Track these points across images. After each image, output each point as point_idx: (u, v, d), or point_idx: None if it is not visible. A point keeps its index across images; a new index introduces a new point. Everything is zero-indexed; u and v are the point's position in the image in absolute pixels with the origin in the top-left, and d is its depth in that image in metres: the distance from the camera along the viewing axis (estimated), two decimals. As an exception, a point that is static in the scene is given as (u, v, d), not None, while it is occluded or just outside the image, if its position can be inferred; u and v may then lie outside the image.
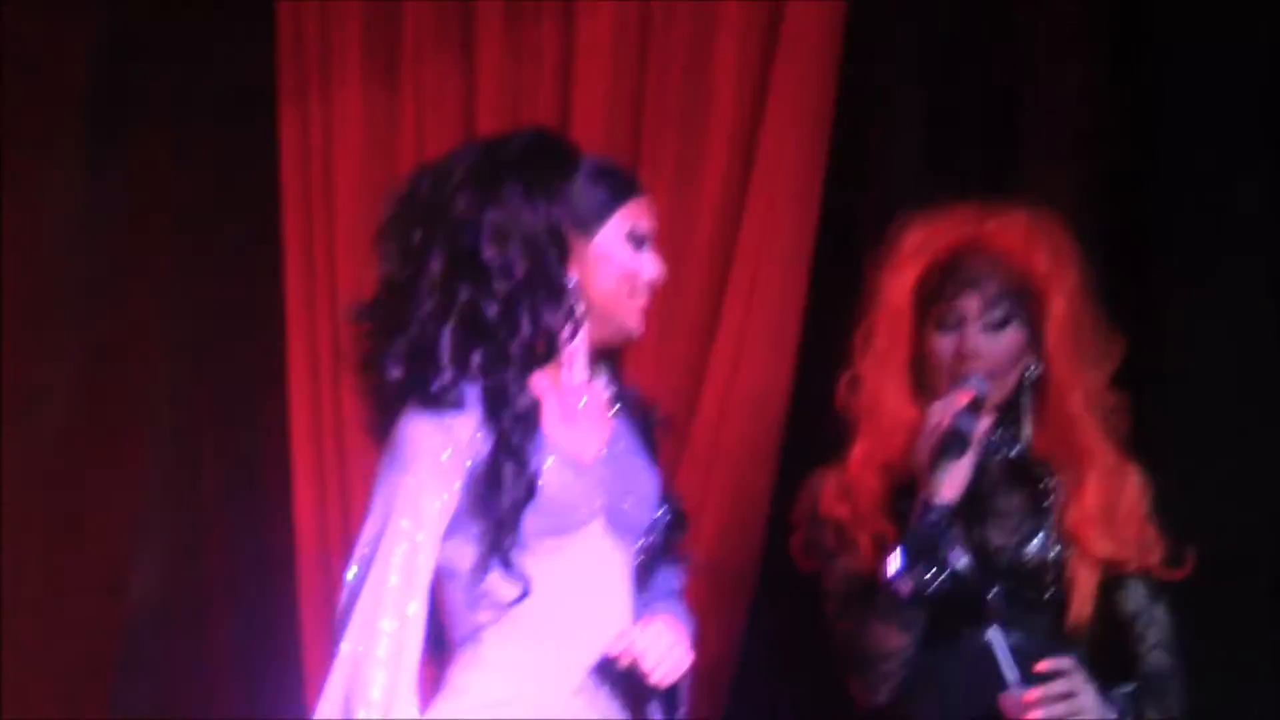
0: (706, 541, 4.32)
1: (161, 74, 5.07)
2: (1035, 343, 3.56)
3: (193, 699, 5.01)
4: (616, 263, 3.32)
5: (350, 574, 3.18)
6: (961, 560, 3.45)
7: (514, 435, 3.19)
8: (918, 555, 3.45)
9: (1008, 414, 3.60)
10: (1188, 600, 3.59)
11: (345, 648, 3.13)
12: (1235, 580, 3.91)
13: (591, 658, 3.25)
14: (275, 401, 4.92)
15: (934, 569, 3.43)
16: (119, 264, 5.08)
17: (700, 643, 3.40)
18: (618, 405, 3.42)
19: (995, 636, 3.44)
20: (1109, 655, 3.56)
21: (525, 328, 3.22)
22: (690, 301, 4.42)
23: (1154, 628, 3.50)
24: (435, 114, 4.75)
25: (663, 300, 4.22)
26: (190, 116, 5.07)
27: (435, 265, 3.22)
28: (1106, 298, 3.63)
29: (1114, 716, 3.41)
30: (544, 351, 3.26)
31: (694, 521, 4.24)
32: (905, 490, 3.56)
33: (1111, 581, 3.51)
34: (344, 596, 3.17)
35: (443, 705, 3.26)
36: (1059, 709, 3.38)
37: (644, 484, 3.38)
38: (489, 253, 3.20)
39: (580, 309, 3.28)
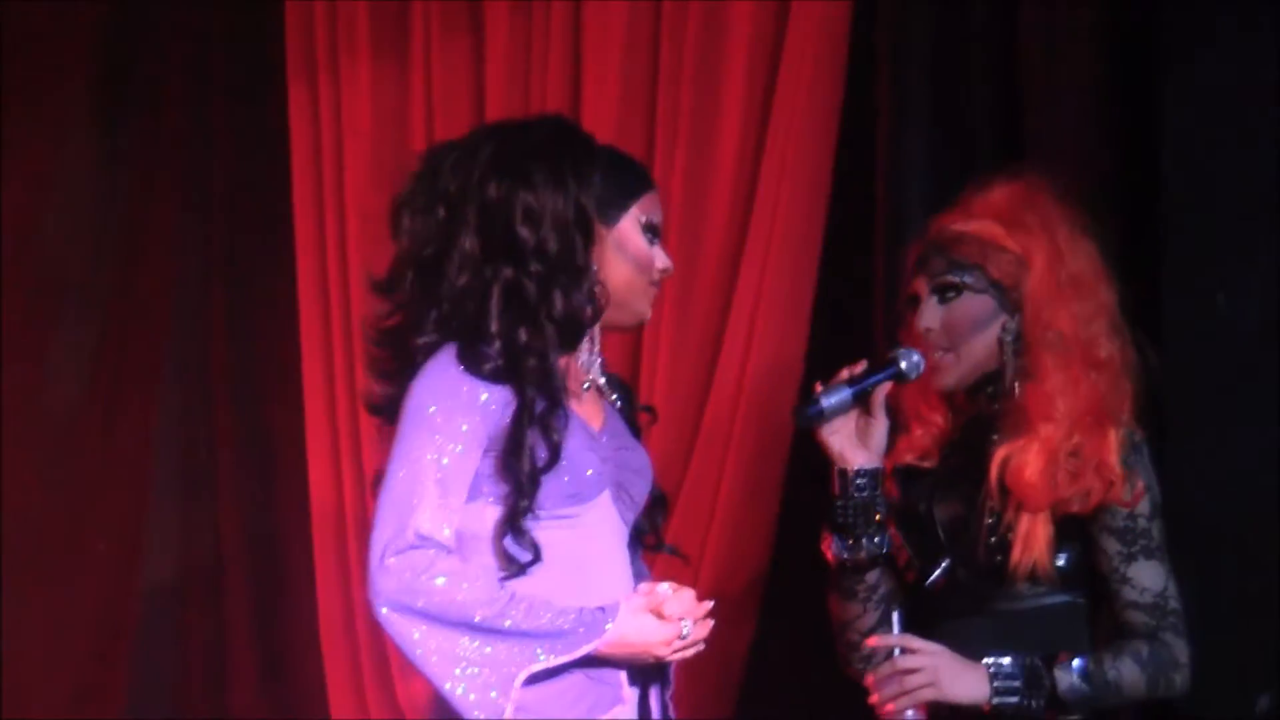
0: (721, 519, 4.39)
1: (171, 52, 5.08)
2: (1010, 305, 3.55)
3: (209, 668, 5.05)
4: (633, 251, 3.37)
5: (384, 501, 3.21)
6: (875, 537, 3.51)
7: (541, 406, 3.25)
8: (833, 526, 3.53)
9: (984, 385, 3.59)
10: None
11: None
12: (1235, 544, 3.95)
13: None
14: (289, 374, 4.96)
15: (849, 540, 3.51)
16: (129, 243, 5.10)
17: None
18: (608, 388, 3.47)
19: (895, 617, 3.48)
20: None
21: (558, 306, 3.28)
22: (705, 283, 4.45)
23: (1127, 588, 3.46)
24: (445, 93, 4.76)
25: (678, 282, 4.30)
26: (200, 94, 5.08)
27: (467, 243, 3.28)
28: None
29: (983, 693, 3.41)
30: (573, 333, 3.32)
31: (709, 497, 4.39)
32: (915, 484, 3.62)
33: (1090, 540, 3.49)
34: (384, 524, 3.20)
35: None
36: (889, 688, 3.41)
37: (640, 460, 3.44)
38: (524, 233, 3.27)
39: (602, 293, 3.33)
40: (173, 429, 5.10)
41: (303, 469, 4.91)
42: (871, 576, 3.56)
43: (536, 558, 3.25)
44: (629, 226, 3.38)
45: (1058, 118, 4.17)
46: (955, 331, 3.55)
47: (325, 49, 4.88)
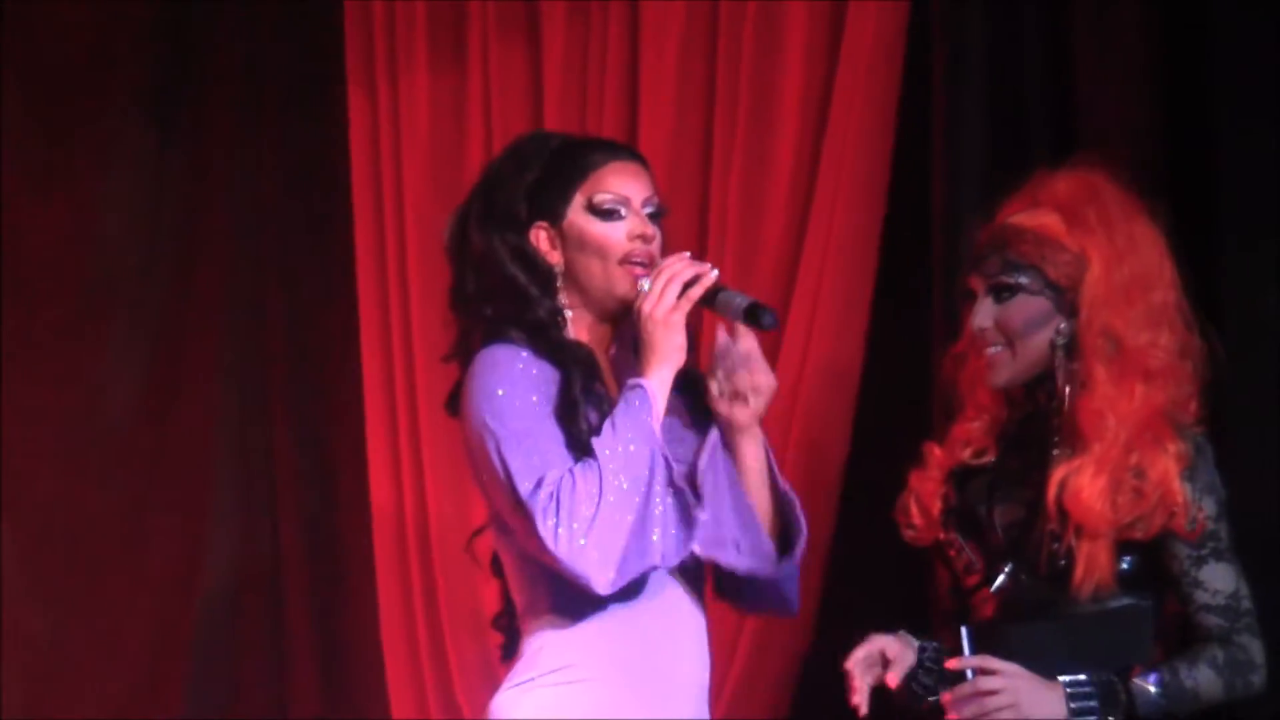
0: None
1: (226, 57, 5.10)
2: (1066, 308, 3.53)
3: (269, 675, 5.06)
4: (587, 240, 3.38)
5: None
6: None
7: (579, 380, 3.30)
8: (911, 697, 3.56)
9: (1042, 383, 3.57)
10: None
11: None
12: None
13: (656, 622, 3.32)
14: (348, 379, 4.95)
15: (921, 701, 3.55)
16: (184, 252, 5.12)
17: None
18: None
19: (965, 634, 3.49)
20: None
21: (531, 320, 3.35)
22: (762, 286, 4.40)
23: (1199, 590, 3.43)
24: (502, 95, 4.76)
25: (737, 280, 4.27)
26: (256, 99, 5.09)
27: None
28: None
29: (1061, 713, 3.40)
30: (561, 328, 3.38)
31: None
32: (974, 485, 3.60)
33: (1155, 544, 3.45)
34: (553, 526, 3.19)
35: (521, 675, 3.33)
36: (969, 709, 3.42)
37: (689, 454, 3.41)
38: (470, 287, 3.41)
39: (561, 297, 3.38)
40: (230, 436, 5.11)
41: (363, 474, 4.90)
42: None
43: None
44: (576, 217, 3.39)
45: (1113, 113, 4.14)
46: (1010, 331, 3.53)
47: (384, 54, 4.88)
